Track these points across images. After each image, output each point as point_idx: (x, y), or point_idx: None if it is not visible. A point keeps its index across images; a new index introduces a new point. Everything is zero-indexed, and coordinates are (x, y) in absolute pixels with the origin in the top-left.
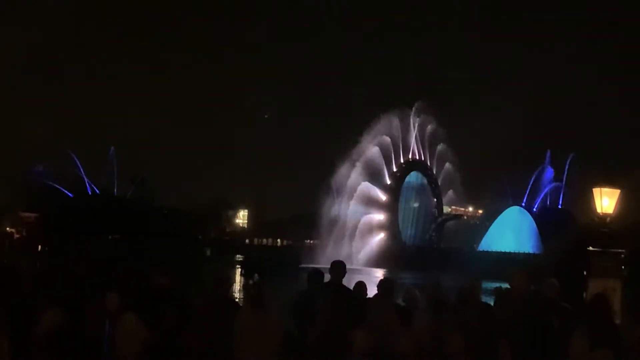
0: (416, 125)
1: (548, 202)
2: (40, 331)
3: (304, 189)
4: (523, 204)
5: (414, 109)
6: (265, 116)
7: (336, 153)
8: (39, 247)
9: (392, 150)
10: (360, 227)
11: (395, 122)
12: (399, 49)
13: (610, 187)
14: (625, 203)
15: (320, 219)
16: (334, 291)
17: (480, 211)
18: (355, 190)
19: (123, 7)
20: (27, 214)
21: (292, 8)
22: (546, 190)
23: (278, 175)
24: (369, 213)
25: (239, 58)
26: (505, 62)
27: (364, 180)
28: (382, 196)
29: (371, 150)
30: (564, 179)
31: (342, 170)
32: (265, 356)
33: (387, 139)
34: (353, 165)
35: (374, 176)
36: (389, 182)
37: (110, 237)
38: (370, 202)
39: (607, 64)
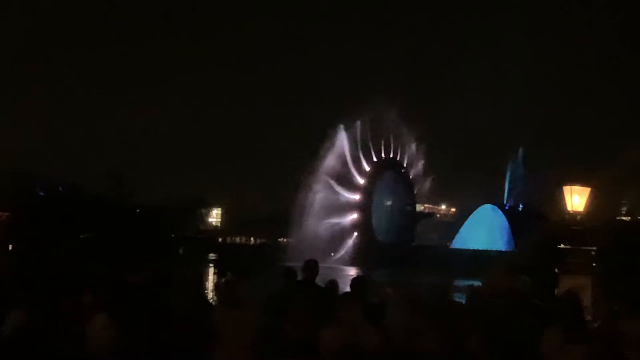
0: (390, 123)
1: (521, 200)
2: (5, 332)
3: (278, 188)
4: (497, 202)
5: (386, 107)
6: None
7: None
8: (10, 246)
9: (364, 149)
10: (333, 229)
11: (366, 122)
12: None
13: (580, 185)
14: (597, 201)
15: (293, 218)
16: (306, 289)
17: (453, 209)
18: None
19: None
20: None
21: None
22: (518, 188)
23: (252, 174)
24: (341, 216)
25: (217, 56)
26: (478, 59)
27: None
28: (354, 196)
29: (338, 149)
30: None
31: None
32: (240, 355)
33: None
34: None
35: (342, 180)
36: (361, 181)
37: (82, 236)
38: (338, 209)
39: (580, 62)
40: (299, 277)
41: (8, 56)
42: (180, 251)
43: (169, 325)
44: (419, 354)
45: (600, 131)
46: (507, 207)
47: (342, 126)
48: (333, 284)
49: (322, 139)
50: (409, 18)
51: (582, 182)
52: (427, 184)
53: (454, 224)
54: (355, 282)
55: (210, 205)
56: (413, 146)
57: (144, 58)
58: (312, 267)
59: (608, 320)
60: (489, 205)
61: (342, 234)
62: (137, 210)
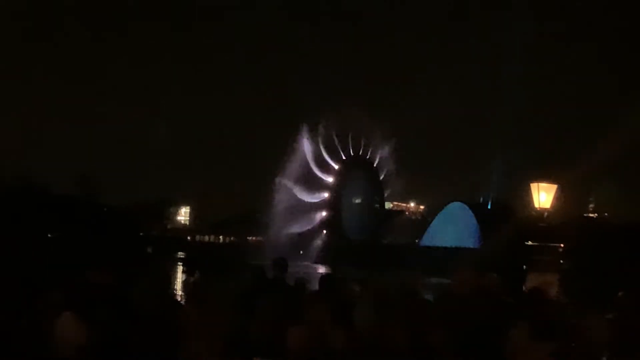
0: (359, 122)
1: (490, 197)
2: None
3: (247, 188)
4: (466, 200)
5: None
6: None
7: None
8: None
9: (332, 148)
10: (302, 228)
11: (333, 121)
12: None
13: (547, 182)
14: (564, 198)
15: (262, 218)
16: (274, 288)
17: (422, 207)
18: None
19: None
20: None
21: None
22: (487, 185)
23: (221, 174)
24: (309, 215)
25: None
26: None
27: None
28: (320, 196)
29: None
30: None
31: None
32: (207, 354)
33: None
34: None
35: (308, 179)
36: (330, 180)
37: (49, 235)
38: (306, 208)
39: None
40: (268, 275)
41: None
42: (149, 250)
43: (134, 324)
44: (386, 352)
45: (569, 128)
46: (476, 205)
47: (305, 126)
48: (301, 283)
49: (290, 140)
50: (379, 15)
51: (550, 179)
52: (396, 182)
53: (423, 222)
54: (323, 280)
55: (178, 205)
56: (383, 144)
57: (113, 56)
58: (280, 265)
59: (570, 316)
60: (457, 202)
61: (311, 232)
62: (105, 209)
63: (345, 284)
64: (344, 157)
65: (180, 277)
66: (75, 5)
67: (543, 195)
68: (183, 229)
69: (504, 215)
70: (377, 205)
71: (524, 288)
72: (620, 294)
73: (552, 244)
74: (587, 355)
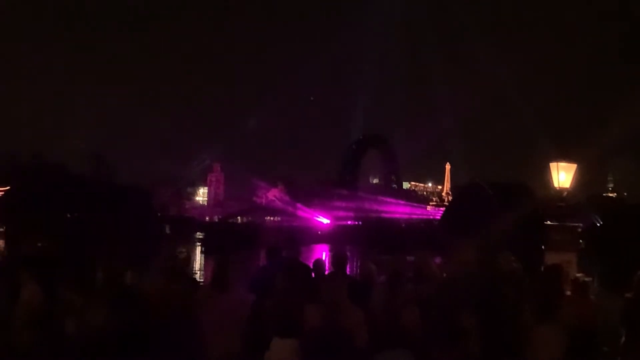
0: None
1: (508, 177)
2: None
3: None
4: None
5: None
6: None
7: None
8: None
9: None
10: None
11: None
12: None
13: (566, 162)
14: (583, 177)
15: None
16: (290, 267)
17: (439, 187)
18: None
19: None
20: None
21: None
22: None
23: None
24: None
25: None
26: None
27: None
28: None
29: None
30: None
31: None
32: (225, 334)
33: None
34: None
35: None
36: (350, 160)
37: (69, 215)
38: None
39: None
40: (284, 255)
41: None
42: (167, 230)
43: (151, 305)
44: (401, 331)
45: (588, 107)
46: (494, 184)
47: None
48: (319, 263)
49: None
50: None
51: (569, 158)
52: (413, 161)
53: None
54: (335, 259)
55: (196, 185)
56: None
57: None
58: (295, 245)
59: (578, 291)
60: (475, 181)
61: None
62: (122, 190)
63: (361, 262)
64: (360, 137)
65: (198, 257)
66: None
67: (562, 175)
68: (201, 209)
69: (522, 195)
70: (394, 186)
71: (542, 267)
72: (639, 273)
73: (570, 224)
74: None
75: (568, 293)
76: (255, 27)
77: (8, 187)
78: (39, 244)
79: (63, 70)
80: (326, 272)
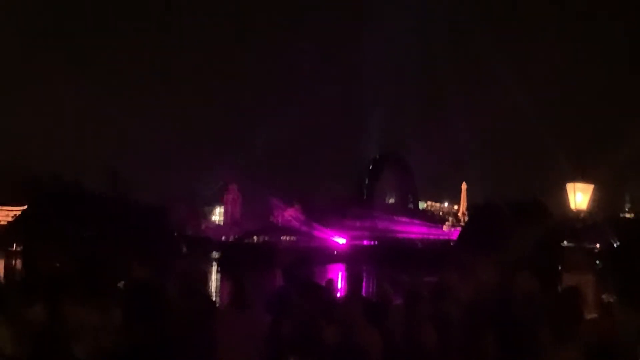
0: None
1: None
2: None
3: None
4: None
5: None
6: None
7: None
8: (14, 246)
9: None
10: None
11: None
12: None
13: (583, 183)
14: (600, 198)
15: None
16: (306, 287)
17: (456, 206)
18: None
19: None
20: (4, 211)
21: None
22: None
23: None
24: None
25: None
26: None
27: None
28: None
29: None
30: None
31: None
32: (242, 354)
33: None
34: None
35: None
36: (366, 180)
37: (85, 234)
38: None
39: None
40: (298, 275)
41: (10, 57)
42: (184, 249)
43: (173, 323)
44: (418, 352)
45: (605, 127)
46: (511, 204)
47: None
48: (331, 283)
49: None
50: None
51: (586, 178)
52: (430, 181)
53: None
54: (354, 280)
55: (213, 204)
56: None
57: (143, 57)
58: (310, 264)
59: (603, 312)
60: (492, 202)
61: None
62: (139, 208)
63: (378, 283)
64: (377, 156)
65: (215, 277)
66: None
67: (579, 196)
68: (217, 228)
69: (539, 215)
70: (411, 205)
71: (559, 288)
72: None
73: (587, 245)
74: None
75: (591, 315)
76: (273, 48)
77: (25, 207)
78: (57, 264)
79: (81, 89)
80: (338, 292)
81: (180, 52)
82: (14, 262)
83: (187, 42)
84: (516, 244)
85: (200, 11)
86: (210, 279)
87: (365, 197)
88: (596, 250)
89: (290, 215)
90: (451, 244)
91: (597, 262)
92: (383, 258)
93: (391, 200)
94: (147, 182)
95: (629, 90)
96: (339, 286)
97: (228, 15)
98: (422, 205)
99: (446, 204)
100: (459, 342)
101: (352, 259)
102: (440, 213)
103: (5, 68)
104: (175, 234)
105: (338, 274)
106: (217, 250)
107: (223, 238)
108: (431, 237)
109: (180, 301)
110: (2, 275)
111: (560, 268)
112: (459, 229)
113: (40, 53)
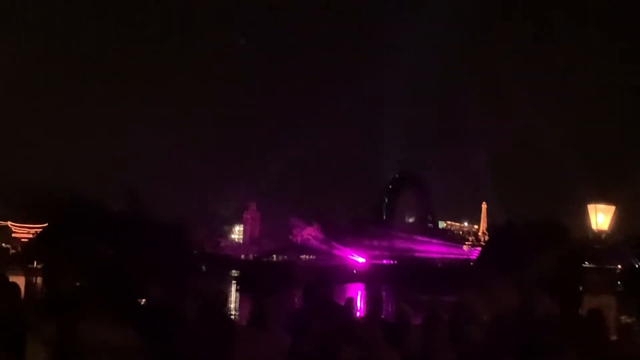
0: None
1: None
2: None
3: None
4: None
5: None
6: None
7: None
8: (35, 263)
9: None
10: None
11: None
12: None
13: (605, 204)
14: (621, 218)
15: None
16: (325, 307)
17: (476, 226)
18: None
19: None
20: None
21: None
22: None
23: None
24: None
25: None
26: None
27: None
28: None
29: None
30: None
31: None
32: None
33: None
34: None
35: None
36: (386, 200)
37: (103, 252)
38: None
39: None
40: (317, 294)
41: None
42: (203, 268)
43: (192, 343)
44: None
45: (627, 148)
46: (531, 224)
47: None
48: (350, 303)
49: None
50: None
51: (607, 200)
52: (449, 200)
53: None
54: (372, 300)
55: (231, 223)
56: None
57: (166, 76)
58: (329, 284)
59: (622, 333)
60: (511, 221)
61: None
62: (158, 227)
63: (397, 304)
64: (396, 176)
65: (234, 295)
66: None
67: (600, 217)
68: (236, 247)
69: (559, 236)
70: (430, 225)
71: (580, 311)
72: None
73: (608, 266)
74: None
75: (612, 338)
76: (296, 69)
77: (46, 224)
78: (77, 283)
79: (102, 107)
80: (357, 312)
81: (203, 73)
82: (34, 279)
83: (211, 62)
84: (537, 264)
85: (229, 38)
86: (230, 298)
87: (384, 216)
88: (617, 271)
89: (309, 234)
90: (471, 263)
91: (619, 283)
92: (402, 277)
93: (410, 220)
94: (167, 201)
95: None
96: (358, 306)
97: (257, 38)
98: (442, 224)
99: (466, 224)
100: None
101: (372, 278)
102: (460, 232)
103: (27, 87)
104: (195, 252)
105: (357, 293)
106: (236, 269)
107: (242, 257)
108: (451, 256)
109: (200, 321)
110: (22, 292)
111: (581, 289)
112: (479, 248)
113: (62, 72)
